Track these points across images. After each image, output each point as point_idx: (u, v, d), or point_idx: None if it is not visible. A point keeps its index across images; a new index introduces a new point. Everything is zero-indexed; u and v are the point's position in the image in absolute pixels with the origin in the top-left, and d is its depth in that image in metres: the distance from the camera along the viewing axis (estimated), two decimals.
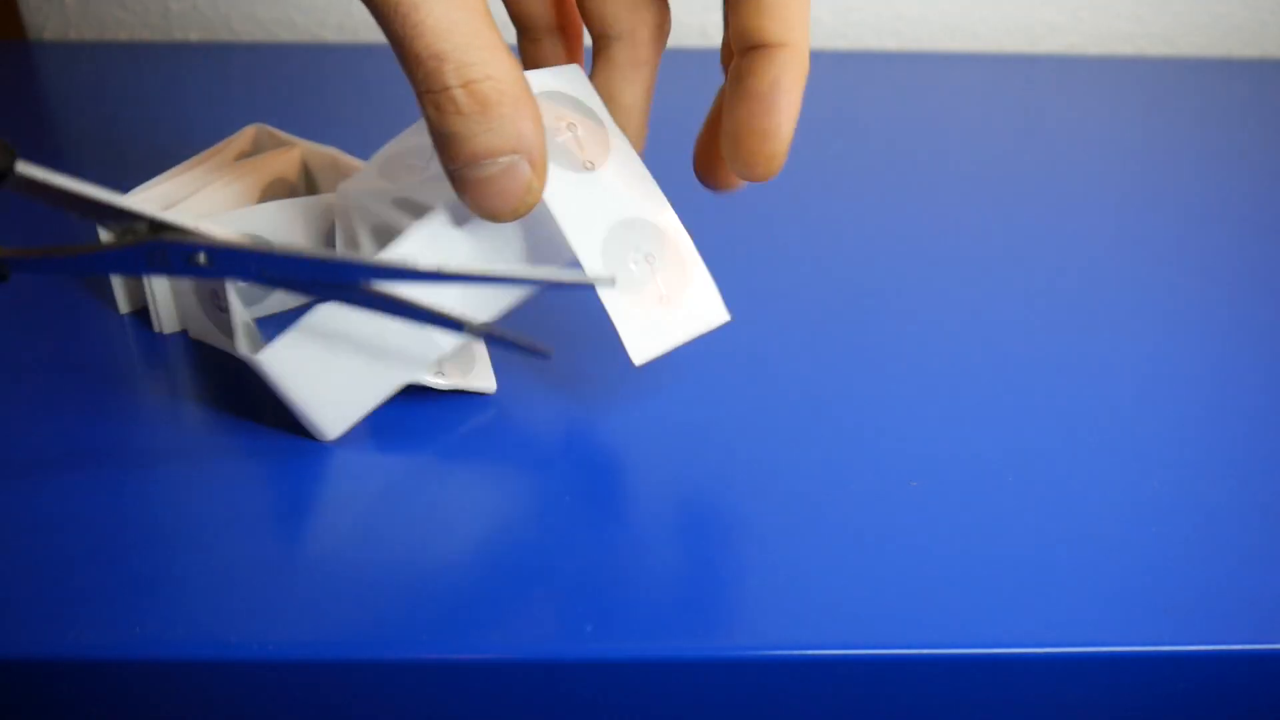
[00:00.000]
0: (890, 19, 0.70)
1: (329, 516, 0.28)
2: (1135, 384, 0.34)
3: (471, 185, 0.26)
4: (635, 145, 0.31)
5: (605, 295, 0.27)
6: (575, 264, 0.29)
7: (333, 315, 0.29)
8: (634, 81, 0.31)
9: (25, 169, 0.21)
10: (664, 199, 0.30)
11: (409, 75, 0.25)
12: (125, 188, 0.36)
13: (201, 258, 0.23)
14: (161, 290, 0.35)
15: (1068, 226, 0.45)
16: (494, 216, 0.27)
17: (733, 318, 0.29)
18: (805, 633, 0.25)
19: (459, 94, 0.25)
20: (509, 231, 0.29)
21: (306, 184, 0.40)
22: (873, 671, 0.25)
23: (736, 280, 0.40)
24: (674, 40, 0.56)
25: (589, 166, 0.29)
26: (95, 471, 0.29)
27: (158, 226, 0.22)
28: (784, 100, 0.27)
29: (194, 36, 0.69)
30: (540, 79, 0.30)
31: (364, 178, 0.34)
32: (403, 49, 0.25)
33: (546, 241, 0.30)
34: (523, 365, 0.33)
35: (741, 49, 0.27)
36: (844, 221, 0.45)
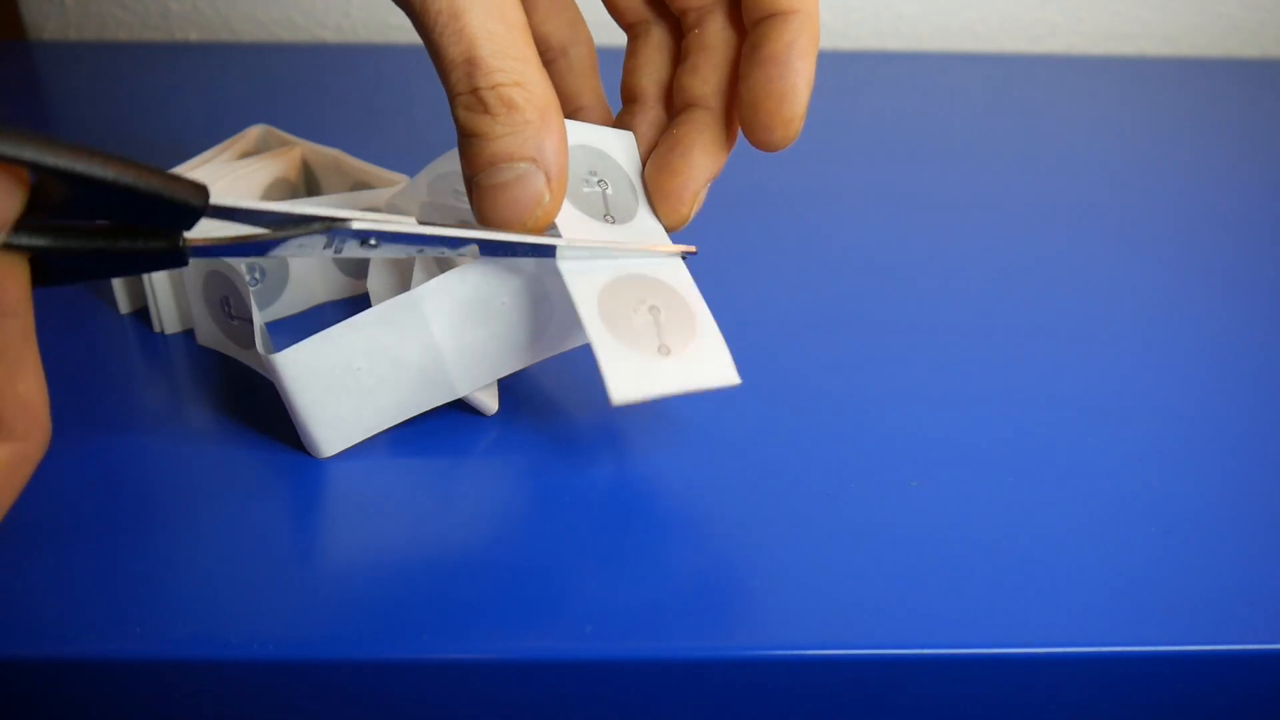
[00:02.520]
0: (890, 19, 0.70)
1: (330, 518, 0.28)
2: (1135, 384, 0.34)
3: (485, 191, 0.26)
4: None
5: (593, 331, 0.26)
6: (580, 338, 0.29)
7: (357, 332, 0.28)
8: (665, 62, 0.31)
9: (217, 199, 0.23)
10: (681, 263, 0.29)
11: (444, 80, 0.26)
12: None
13: (372, 240, 0.25)
14: (162, 290, 0.35)
15: (1067, 227, 0.45)
16: (503, 227, 0.27)
17: (742, 382, 0.28)
18: (805, 633, 0.25)
19: (487, 95, 0.25)
20: (525, 295, 0.29)
21: (307, 184, 0.40)
22: (873, 671, 0.25)
23: (736, 281, 0.40)
24: None
25: (609, 220, 0.29)
26: (95, 472, 0.29)
27: (331, 220, 0.24)
28: (800, 63, 0.27)
29: (194, 36, 0.69)
30: (590, 133, 0.30)
31: (412, 193, 0.34)
32: (439, 55, 0.26)
33: (561, 310, 0.30)
34: (523, 383, 0.33)
35: (754, 20, 0.28)
36: (843, 222, 0.45)
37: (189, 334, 0.35)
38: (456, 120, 0.26)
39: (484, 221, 0.27)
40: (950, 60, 0.67)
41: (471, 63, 0.25)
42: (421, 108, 0.56)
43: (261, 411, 0.32)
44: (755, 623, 0.25)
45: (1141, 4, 0.70)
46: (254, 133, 0.39)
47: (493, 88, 0.25)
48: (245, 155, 0.39)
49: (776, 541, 0.27)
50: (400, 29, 0.69)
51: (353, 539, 0.27)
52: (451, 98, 0.26)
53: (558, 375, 0.34)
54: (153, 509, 0.28)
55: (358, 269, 0.37)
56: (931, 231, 0.44)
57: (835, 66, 0.63)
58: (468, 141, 0.26)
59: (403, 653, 0.24)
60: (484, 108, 0.25)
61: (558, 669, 0.25)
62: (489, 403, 0.32)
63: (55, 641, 0.24)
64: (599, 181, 0.29)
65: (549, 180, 0.26)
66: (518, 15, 0.26)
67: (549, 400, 0.33)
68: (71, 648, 0.24)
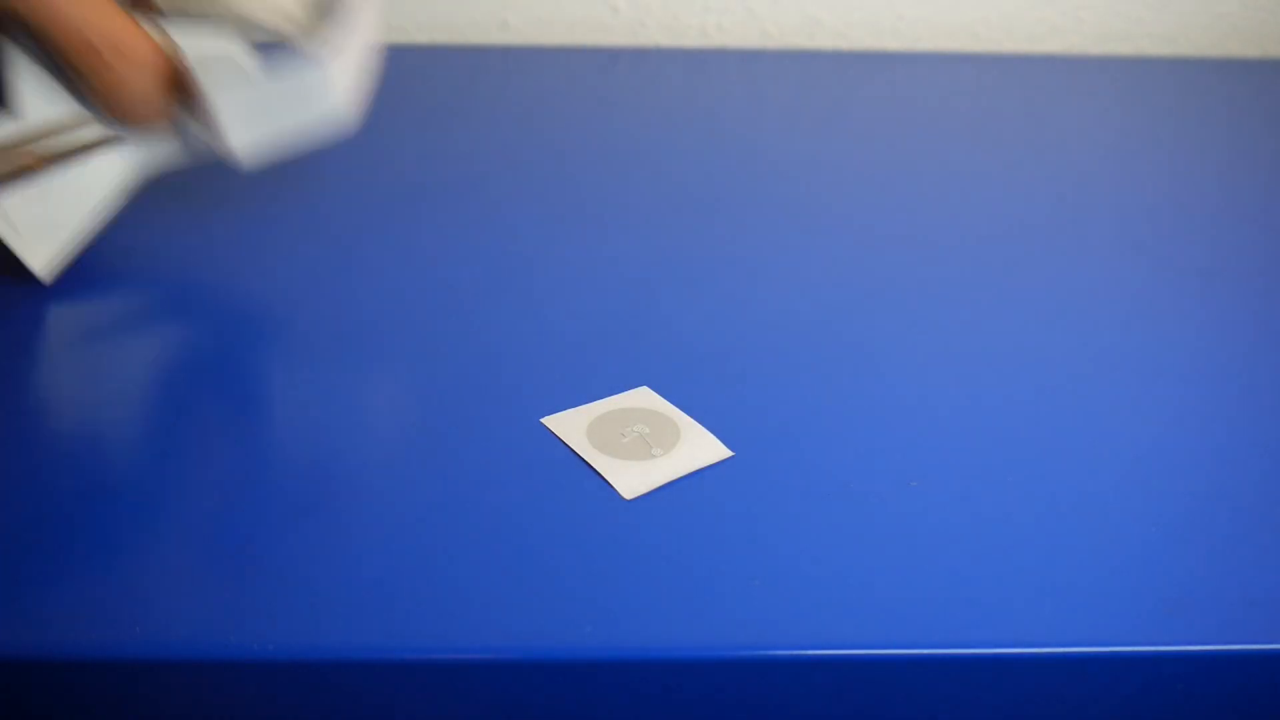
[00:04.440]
0: (890, 19, 0.70)
1: (327, 517, 0.28)
2: (1135, 384, 0.34)
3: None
4: None
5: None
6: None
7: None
8: None
9: None
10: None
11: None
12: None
13: None
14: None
15: (1068, 227, 0.45)
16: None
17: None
18: (805, 633, 0.25)
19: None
20: None
21: None
22: (873, 671, 0.25)
23: (735, 279, 0.40)
24: (674, 40, 0.56)
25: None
26: (95, 472, 0.29)
27: None
28: None
29: None
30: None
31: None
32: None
33: None
34: (524, 381, 0.33)
35: None
36: (843, 221, 0.45)
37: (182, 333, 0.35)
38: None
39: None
40: (950, 60, 0.67)
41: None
42: (420, 108, 0.56)
43: (261, 411, 0.31)
44: (755, 623, 0.25)
45: (1141, 4, 0.70)
46: None
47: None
48: None
49: (776, 541, 0.27)
50: (399, 29, 0.69)
51: (352, 539, 0.27)
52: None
53: (556, 371, 0.34)
54: (151, 509, 0.28)
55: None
56: (931, 232, 0.44)
57: (835, 66, 0.63)
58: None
59: (403, 653, 0.24)
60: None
61: (558, 669, 0.25)
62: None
63: (55, 641, 0.24)
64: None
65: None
66: None
67: (551, 395, 0.33)
68: (71, 648, 0.24)
